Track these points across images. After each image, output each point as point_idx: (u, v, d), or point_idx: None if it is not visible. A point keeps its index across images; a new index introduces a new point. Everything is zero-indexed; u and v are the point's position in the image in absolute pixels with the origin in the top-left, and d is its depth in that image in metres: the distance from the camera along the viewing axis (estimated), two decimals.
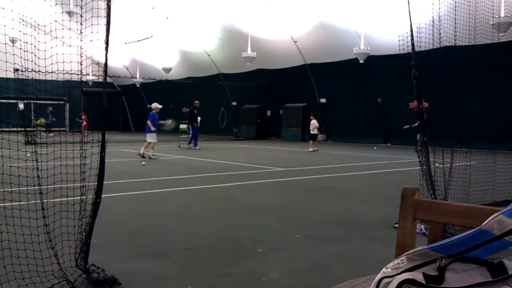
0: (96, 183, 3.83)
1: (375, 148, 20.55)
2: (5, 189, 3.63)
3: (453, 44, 6.38)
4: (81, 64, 4.05)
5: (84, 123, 30.01)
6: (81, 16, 3.95)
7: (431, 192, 5.56)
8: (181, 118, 29.29)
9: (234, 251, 4.78)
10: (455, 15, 6.35)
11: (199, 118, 20.67)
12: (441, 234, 1.55)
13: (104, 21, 3.86)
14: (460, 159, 6.51)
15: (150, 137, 14.96)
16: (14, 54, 3.75)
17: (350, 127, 24.42)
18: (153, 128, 15.02)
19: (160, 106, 15.60)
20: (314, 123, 19.29)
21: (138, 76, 33.36)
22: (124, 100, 44.38)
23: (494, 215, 1.06)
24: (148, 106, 18.49)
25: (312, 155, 17.32)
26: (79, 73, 4.09)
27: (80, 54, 3.99)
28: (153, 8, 28.08)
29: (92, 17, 4.06)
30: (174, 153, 17.81)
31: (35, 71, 3.98)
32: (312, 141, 19.04)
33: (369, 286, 1.23)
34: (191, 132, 20.37)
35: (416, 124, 19.01)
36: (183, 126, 21.41)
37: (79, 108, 31.70)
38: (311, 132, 19.29)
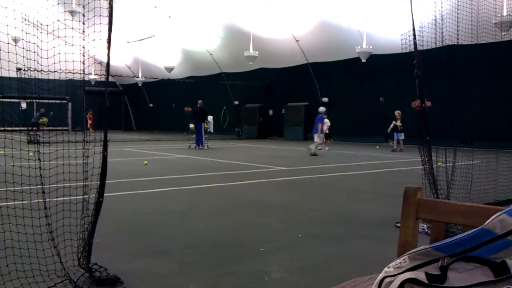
0: (98, 182, 3.84)
1: (377, 147, 20.53)
2: (8, 189, 3.65)
3: (456, 43, 6.37)
4: (83, 64, 4.06)
5: (90, 122, 30.14)
6: (84, 15, 3.96)
7: (433, 191, 5.55)
8: (185, 117, 29.36)
9: (236, 250, 4.79)
10: (458, 13, 6.34)
11: (211, 117, 21.16)
12: (443, 233, 1.55)
13: (106, 20, 3.87)
14: (462, 158, 6.50)
15: (317, 137, 16.82)
16: (16, 54, 3.77)
17: (352, 126, 24.39)
18: (320, 132, 16.97)
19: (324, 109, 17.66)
20: (327, 121, 19.43)
21: (140, 75, 33.40)
22: (126, 99, 44.44)
23: (497, 214, 1.06)
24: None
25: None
26: (82, 72, 4.09)
27: (83, 53, 4.00)
28: (155, 7, 28.09)
29: (94, 16, 4.07)
30: (178, 152, 17.81)
31: (38, 71, 3.98)
32: (327, 140, 19.24)
33: (371, 285, 1.23)
34: (203, 131, 20.02)
35: (392, 125, 18.97)
36: (192, 126, 21.18)
37: (83, 107, 31.73)
38: (325, 131, 19.31)
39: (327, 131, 19.27)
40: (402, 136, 18.66)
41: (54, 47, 3.96)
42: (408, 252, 1.13)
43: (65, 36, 4.06)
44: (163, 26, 29.24)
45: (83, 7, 3.94)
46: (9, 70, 3.87)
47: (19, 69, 4.04)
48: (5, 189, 3.65)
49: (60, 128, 29.51)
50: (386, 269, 1.14)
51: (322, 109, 17.54)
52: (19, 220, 3.63)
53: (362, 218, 6.32)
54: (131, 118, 44.99)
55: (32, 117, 28.63)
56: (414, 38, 5.57)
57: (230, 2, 24.92)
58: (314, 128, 17.41)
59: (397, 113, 18.81)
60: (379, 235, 5.38)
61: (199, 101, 20.50)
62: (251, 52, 23.53)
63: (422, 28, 5.78)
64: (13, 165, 3.71)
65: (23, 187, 3.72)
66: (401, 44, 5.65)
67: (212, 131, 22.28)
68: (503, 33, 13.49)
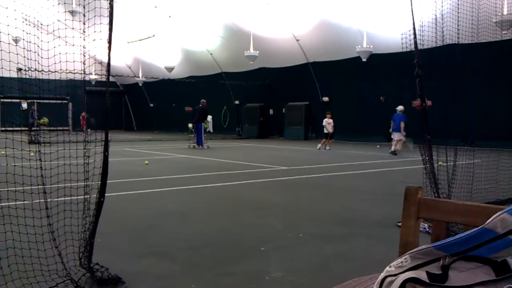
0: (99, 182, 3.84)
1: (378, 146, 20.52)
2: (9, 189, 3.65)
3: (456, 42, 6.36)
4: (84, 64, 4.06)
5: (82, 121, 30.20)
6: (84, 15, 3.96)
7: (434, 190, 5.55)
8: (185, 116, 29.35)
9: (237, 250, 4.79)
10: (458, 12, 6.34)
11: (210, 117, 21.30)
12: (445, 232, 1.55)
13: (106, 20, 3.87)
14: (463, 157, 6.50)
15: (398, 136, 16.98)
16: (17, 54, 3.77)
17: (353, 126, 24.38)
18: (402, 130, 16.95)
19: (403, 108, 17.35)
20: (331, 121, 19.51)
21: (140, 75, 33.39)
22: (126, 99, 44.45)
23: (498, 213, 1.06)
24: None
25: (315, 154, 17.34)
26: (82, 72, 4.09)
27: (83, 54, 4.00)
28: (156, 7, 28.08)
29: (94, 16, 4.07)
30: (178, 152, 17.81)
31: (38, 71, 3.99)
32: (329, 139, 19.26)
33: (372, 285, 1.23)
34: (202, 131, 20.17)
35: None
36: (191, 125, 21.19)
37: (84, 107, 31.75)
38: (331, 130, 19.33)
39: (332, 130, 19.31)
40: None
41: (54, 47, 3.96)
42: (409, 252, 1.13)
43: (66, 36, 4.06)
44: (163, 26, 29.23)
45: (84, 7, 3.94)
46: (9, 70, 3.88)
47: (19, 69, 4.05)
48: (6, 189, 3.65)
49: (60, 128, 29.47)
50: (387, 268, 1.14)
51: (401, 108, 17.25)
52: (20, 220, 3.63)
53: (363, 217, 6.32)
54: (131, 118, 45.00)
55: (30, 117, 28.60)
56: (415, 37, 5.57)
57: (230, 2, 24.91)
58: (395, 127, 17.05)
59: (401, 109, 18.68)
60: (380, 234, 5.38)
61: (202, 100, 20.44)
62: (252, 52, 23.52)
63: (422, 27, 5.78)
64: (14, 165, 3.71)
65: (24, 187, 3.73)
66: (402, 43, 5.65)
67: (211, 130, 22.32)
68: (503, 32, 13.47)
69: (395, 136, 16.99)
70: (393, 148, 16.76)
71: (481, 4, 7.59)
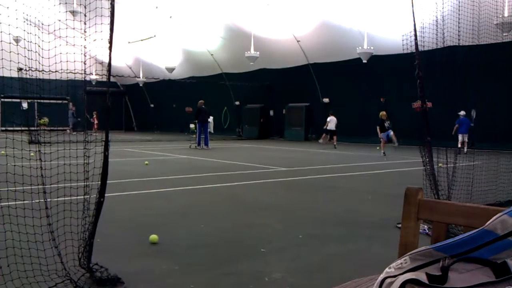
0: (99, 182, 3.84)
1: (378, 148, 20.50)
2: (9, 188, 3.65)
3: (457, 44, 6.37)
4: (84, 64, 4.06)
5: (96, 121, 30.32)
6: (85, 15, 3.96)
7: (434, 192, 5.55)
8: (185, 117, 29.36)
9: (237, 251, 4.79)
10: (459, 14, 6.34)
11: (211, 117, 21.53)
12: (444, 234, 1.55)
13: (107, 20, 3.87)
14: (463, 159, 6.51)
15: (466, 137, 18.05)
16: (18, 54, 3.77)
17: (353, 127, 24.36)
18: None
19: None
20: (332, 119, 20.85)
21: (141, 75, 33.40)
22: (127, 100, 44.46)
23: (498, 215, 1.06)
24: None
25: (315, 155, 17.34)
26: (83, 72, 4.10)
27: (84, 54, 4.00)
28: (157, 7, 28.09)
29: (95, 16, 4.07)
30: (179, 152, 17.81)
31: (39, 71, 3.99)
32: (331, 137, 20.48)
33: (372, 286, 1.23)
34: (207, 131, 20.41)
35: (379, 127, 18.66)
36: (193, 126, 21.27)
37: (84, 107, 31.81)
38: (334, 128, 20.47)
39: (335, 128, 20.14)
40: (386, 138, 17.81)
41: (55, 47, 3.96)
42: (409, 253, 1.13)
43: (67, 36, 4.06)
44: (164, 26, 29.25)
45: (85, 7, 3.94)
46: (10, 70, 3.88)
47: (20, 69, 4.05)
48: (6, 189, 3.65)
49: (61, 128, 29.49)
50: (387, 269, 1.14)
51: (463, 112, 17.75)
52: (20, 220, 3.63)
53: (362, 218, 6.31)
54: (132, 118, 45.01)
55: (76, 117, 28.91)
56: (415, 39, 5.57)
57: (231, 3, 24.93)
58: (464, 130, 17.78)
59: (382, 114, 18.04)
60: (380, 235, 5.37)
61: (201, 101, 20.52)
62: (252, 53, 23.52)
63: (423, 28, 5.78)
64: (14, 165, 3.71)
65: (24, 187, 3.73)
66: (402, 45, 5.66)
67: (212, 131, 22.40)
68: (504, 34, 13.47)
69: (465, 137, 17.63)
70: (460, 146, 17.16)
71: (482, 6, 7.60)
